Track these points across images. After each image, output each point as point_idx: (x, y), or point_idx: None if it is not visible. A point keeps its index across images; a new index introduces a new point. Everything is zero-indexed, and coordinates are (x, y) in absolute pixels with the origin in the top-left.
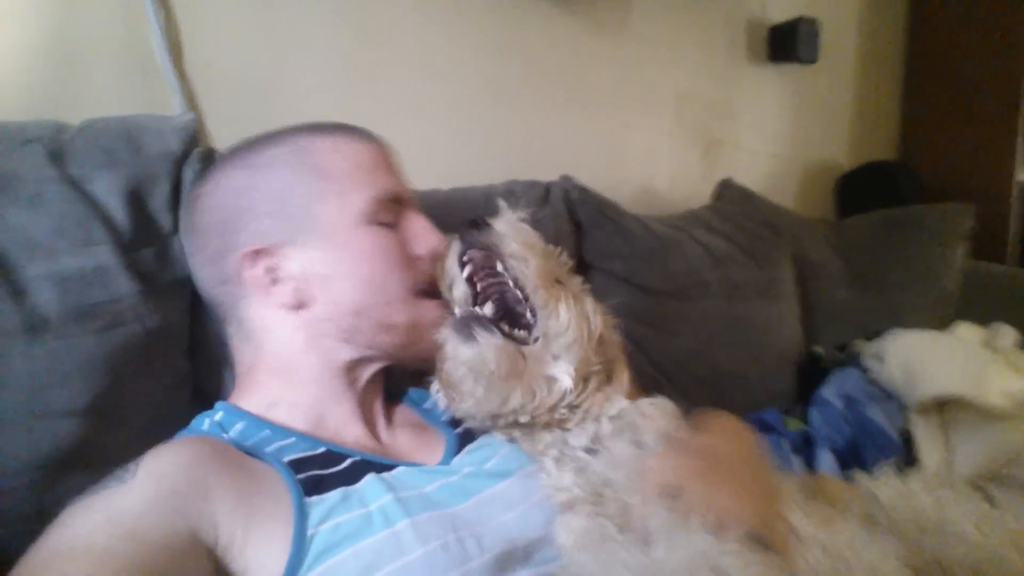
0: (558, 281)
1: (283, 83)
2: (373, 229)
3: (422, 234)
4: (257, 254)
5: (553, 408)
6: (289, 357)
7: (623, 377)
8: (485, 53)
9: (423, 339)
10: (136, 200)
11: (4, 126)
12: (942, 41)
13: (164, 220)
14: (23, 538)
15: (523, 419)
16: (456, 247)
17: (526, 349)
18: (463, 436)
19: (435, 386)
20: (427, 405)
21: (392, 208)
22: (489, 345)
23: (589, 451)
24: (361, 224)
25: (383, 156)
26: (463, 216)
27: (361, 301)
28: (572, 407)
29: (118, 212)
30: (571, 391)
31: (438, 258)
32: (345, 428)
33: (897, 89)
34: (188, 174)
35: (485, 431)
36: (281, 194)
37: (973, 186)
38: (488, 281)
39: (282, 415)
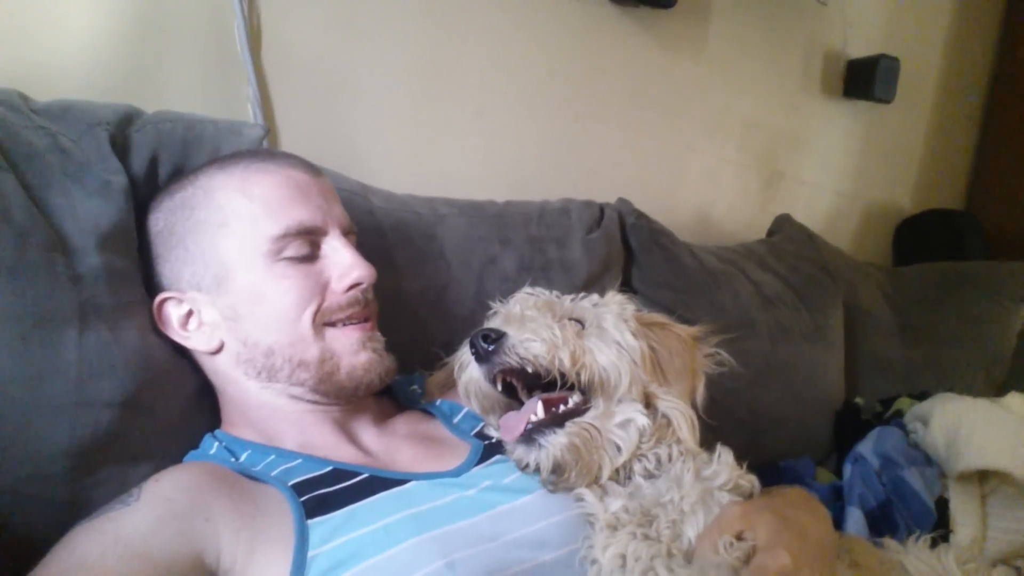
0: (575, 320)
1: (356, 80)
2: (279, 267)
3: (343, 265)
4: (163, 303)
5: (639, 445)
6: (246, 396)
7: (697, 387)
8: (558, 62)
9: (340, 368)
10: None
11: (78, 107)
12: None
13: None
14: (55, 525)
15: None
16: (469, 343)
17: (589, 417)
18: (491, 447)
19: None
20: (455, 419)
21: (306, 240)
22: (557, 447)
23: (648, 475)
24: (266, 261)
25: (296, 186)
26: (514, 228)
27: (270, 342)
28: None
29: None
30: (647, 423)
31: (359, 288)
32: (336, 451)
33: (972, 138)
34: None
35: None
36: (185, 240)
37: None
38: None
39: (280, 443)
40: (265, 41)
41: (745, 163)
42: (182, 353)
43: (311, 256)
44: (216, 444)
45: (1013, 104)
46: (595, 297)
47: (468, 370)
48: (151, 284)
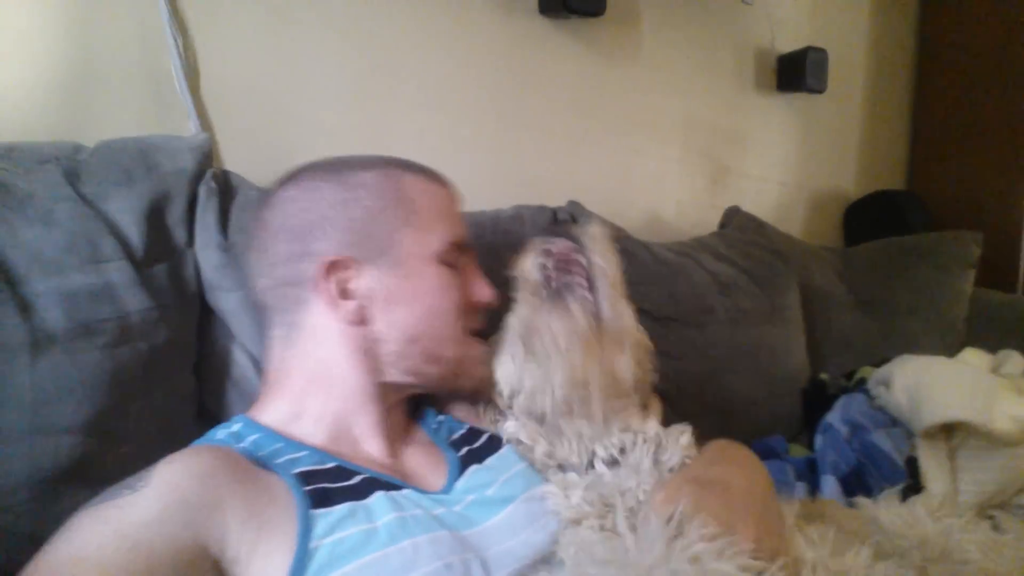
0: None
1: (295, 106)
2: (442, 268)
3: (480, 284)
4: (334, 265)
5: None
6: (332, 368)
7: (656, 403)
8: (494, 78)
9: (465, 375)
10: (150, 217)
11: (21, 147)
12: (950, 71)
13: (179, 236)
14: (21, 556)
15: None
16: (538, 246)
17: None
18: (465, 459)
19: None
20: (434, 425)
21: (457, 253)
22: (580, 311)
23: (612, 463)
24: (433, 261)
25: (456, 204)
26: (472, 240)
27: (418, 330)
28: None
29: (131, 229)
30: (631, 388)
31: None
32: (364, 443)
33: (905, 119)
34: (202, 192)
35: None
36: (368, 214)
37: (982, 216)
38: (563, 277)
39: (301, 428)
40: (203, 76)
41: (690, 161)
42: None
43: (457, 266)
44: (223, 431)
45: (940, 83)
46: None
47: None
48: (276, 248)
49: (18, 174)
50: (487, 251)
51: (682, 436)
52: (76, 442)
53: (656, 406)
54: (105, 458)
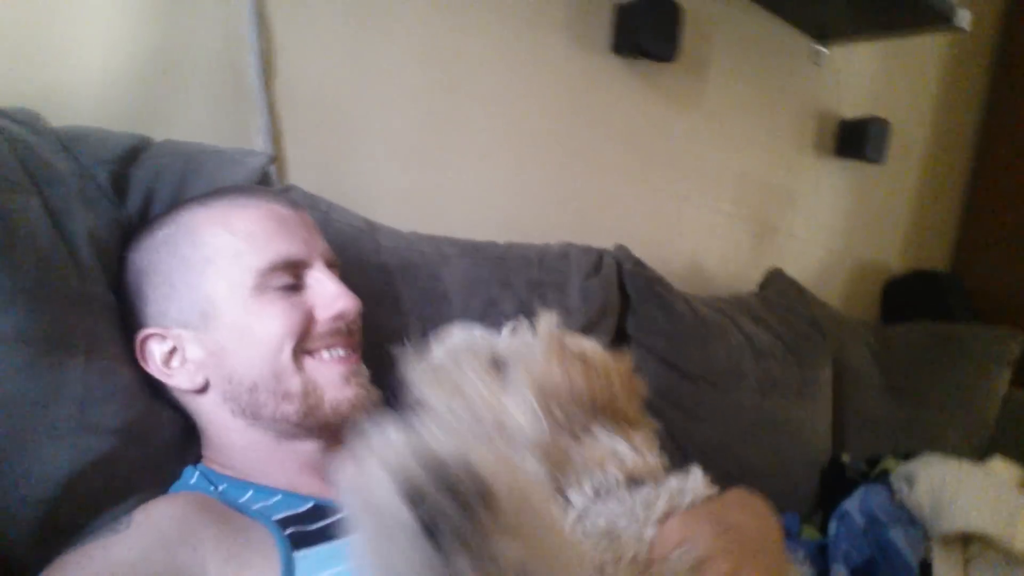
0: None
1: (365, 118)
2: (265, 298)
3: (327, 296)
4: (149, 339)
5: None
6: (224, 435)
7: (641, 431)
8: (559, 110)
9: (324, 402)
10: None
11: (91, 133)
12: (1011, 156)
13: None
14: (47, 549)
15: None
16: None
17: None
18: None
19: None
20: None
21: (290, 272)
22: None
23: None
24: (252, 297)
25: (279, 219)
26: (515, 271)
27: (254, 376)
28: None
29: None
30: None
31: (344, 320)
32: (320, 489)
33: (958, 201)
34: None
35: None
36: (170, 278)
37: (1022, 310)
38: None
39: (259, 478)
40: (278, 73)
41: (738, 216)
42: (158, 391)
43: (296, 287)
44: (197, 474)
45: (998, 170)
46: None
47: None
48: (129, 322)
49: (89, 167)
50: (528, 286)
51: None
52: (113, 443)
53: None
54: (129, 463)
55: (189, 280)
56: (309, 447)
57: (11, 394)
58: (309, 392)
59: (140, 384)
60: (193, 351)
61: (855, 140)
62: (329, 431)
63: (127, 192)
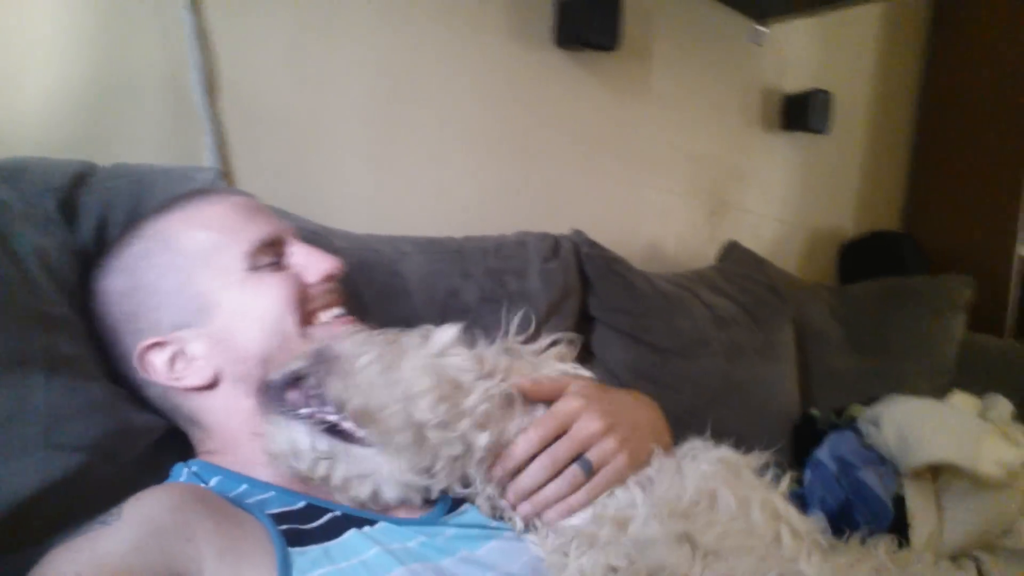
0: None
1: (314, 127)
2: (256, 277)
3: (310, 261)
4: (147, 351)
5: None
6: (234, 433)
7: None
8: (508, 106)
9: None
10: None
11: (31, 164)
12: (950, 117)
13: None
14: (23, 567)
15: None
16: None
17: None
18: (455, 502)
19: None
20: None
21: (270, 250)
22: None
23: None
24: (244, 279)
25: (245, 207)
26: (473, 261)
27: (263, 349)
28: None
29: None
30: None
31: (333, 278)
32: (316, 493)
33: (904, 162)
34: None
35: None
36: (157, 288)
37: (975, 259)
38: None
39: (257, 472)
40: (222, 91)
41: (692, 195)
42: (140, 403)
43: (278, 262)
44: (186, 470)
45: (940, 129)
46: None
47: None
48: (115, 352)
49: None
50: (488, 274)
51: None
52: (83, 461)
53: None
54: (101, 481)
55: (178, 284)
56: None
57: None
58: None
59: (111, 400)
60: (196, 348)
61: (799, 113)
62: None
63: (77, 218)
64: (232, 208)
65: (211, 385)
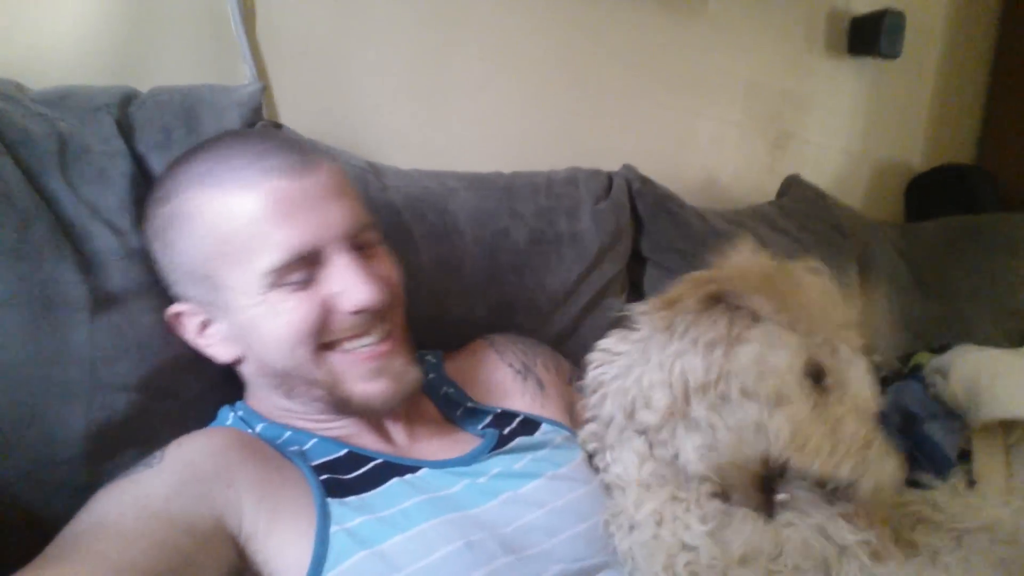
0: None
1: (355, 57)
2: (274, 296)
3: (347, 287)
4: (181, 315)
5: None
6: (266, 394)
7: None
8: (555, 35)
9: (352, 396)
10: None
11: (75, 93)
12: None
13: None
14: (75, 509)
15: None
16: None
17: None
18: (499, 440)
19: None
20: (460, 412)
21: (301, 264)
22: None
23: None
24: (265, 291)
25: (281, 202)
26: (523, 200)
27: (280, 364)
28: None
29: None
30: None
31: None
32: (357, 438)
33: (981, 91)
34: None
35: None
36: (185, 260)
37: None
38: None
39: (297, 422)
40: (260, 18)
41: (750, 125)
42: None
43: (309, 280)
44: (232, 415)
45: (1020, 55)
46: None
47: None
48: (162, 275)
49: (74, 125)
50: (539, 213)
51: None
52: (131, 400)
53: None
54: (158, 417)
55: (204, 271)
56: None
57: (14, 359)
58: (334, 384)
59: (164, 337)
60: (221, 328)
61: (869, 35)
62: (366, 415)
63: (134, 132)
64: (265, 202)
65: (237, 362)
